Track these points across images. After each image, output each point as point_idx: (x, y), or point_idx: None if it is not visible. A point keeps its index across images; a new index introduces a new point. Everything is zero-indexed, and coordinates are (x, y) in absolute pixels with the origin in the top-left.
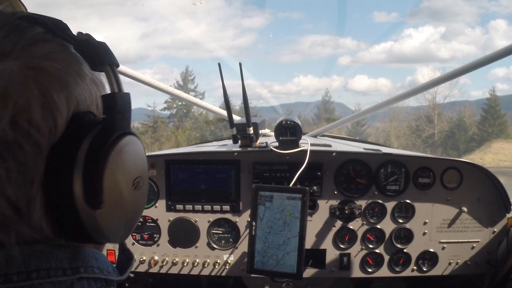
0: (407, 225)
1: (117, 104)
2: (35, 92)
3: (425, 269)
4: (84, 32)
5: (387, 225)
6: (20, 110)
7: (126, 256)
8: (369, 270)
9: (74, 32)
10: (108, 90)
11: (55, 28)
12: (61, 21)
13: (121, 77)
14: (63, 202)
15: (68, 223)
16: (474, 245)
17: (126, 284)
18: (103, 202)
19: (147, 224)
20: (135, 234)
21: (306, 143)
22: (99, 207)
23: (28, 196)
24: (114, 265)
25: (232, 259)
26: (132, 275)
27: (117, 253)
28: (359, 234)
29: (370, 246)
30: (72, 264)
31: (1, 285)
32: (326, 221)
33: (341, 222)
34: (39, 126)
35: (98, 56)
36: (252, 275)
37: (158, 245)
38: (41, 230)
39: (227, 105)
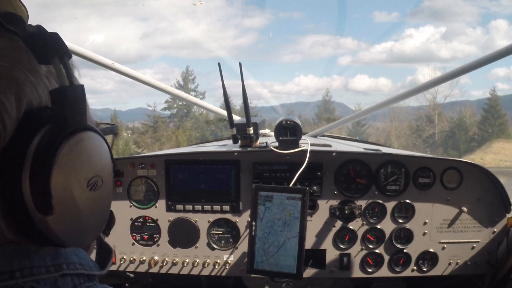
0: (407, 225)
1: (66, 99)
2: None
3: (425, 269)
4: (34, 24)
5: (387, 225)
6: None
7: (104, 251)
8: (369, 270)
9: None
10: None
11: (6, 22)
12: (14, 13)
13: (122, 77)
14: (16, 208)
15: (25, 227)
16: (474, 245)
17: (126, 284)
18: (53, 207)
19: (147, 224)
20: (135, 234)
21: (306, 143)
22: (50, 213)
23: None
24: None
25: (232, 259)
26: (132, 275)
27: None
28: (359, 234)
29: (370, 246)
30: (55, 261)
31: None
32: (326, 221)
33: (341, 222)
34: None
35: (46, 48)
36: (252, 275)
37: (158, 245)
38: (3, 234)
39: (227, 105)
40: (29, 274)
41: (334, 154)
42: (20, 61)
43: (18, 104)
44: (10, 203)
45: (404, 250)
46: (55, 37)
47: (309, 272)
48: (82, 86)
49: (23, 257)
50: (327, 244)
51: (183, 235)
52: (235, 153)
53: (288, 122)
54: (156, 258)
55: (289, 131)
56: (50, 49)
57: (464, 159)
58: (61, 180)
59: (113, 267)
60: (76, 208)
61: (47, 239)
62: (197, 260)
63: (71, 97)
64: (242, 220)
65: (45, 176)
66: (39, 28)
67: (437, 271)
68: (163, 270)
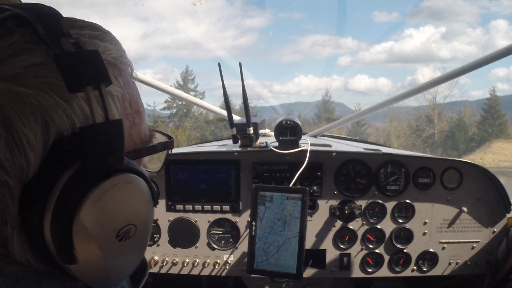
0: (407, 225)
1: (98, 138)
2: None
3: (425, 269)
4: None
5: (387, 225)
6: None
7: (140, 266)
8: (369, 270)
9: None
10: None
11: (45, 26)
12: (53, 14)
13: None
14: (39, 248)
15: (50, 262)
16: (474, 245)
17: None
18: (76, 258)
19: None
20: None
21: (306, 143)
22: (72, 262)
23: (3, 235)
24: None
25: (232, 259)
26: None
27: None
28: (359, 234)
29: (370, 246)
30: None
31: None
32: (326, 221)
33: (341, 222)
34: (5, 166)
35: (80, 72)
36: (252, 275)
37: (158, 245)
38: (29, 265)
39: (227, 105)
40: None
41: (334, 154)
42: (50, 82)
43: (46, 134)
44: (34, 242)
45: (404, 250)
46: (94, 56)
47: (309, 272)
48: (120, 121)
49: (36, 282)
50: (327, 244)
51: (183, 235)
52: (235, 153)
53: (288, 122)
54: (156, 258)
55: (289, 131)
56: (85, 73)
57: (464, 159)
58: (85, 232)
59: None
60: (102, 260)
61: (72, 276)
62: (197, 260)
63: (105, 135)
64: (242, 220)
65: (67, 224)
66: (77, 43)
67: (437, 271)
68: (163, 270)
